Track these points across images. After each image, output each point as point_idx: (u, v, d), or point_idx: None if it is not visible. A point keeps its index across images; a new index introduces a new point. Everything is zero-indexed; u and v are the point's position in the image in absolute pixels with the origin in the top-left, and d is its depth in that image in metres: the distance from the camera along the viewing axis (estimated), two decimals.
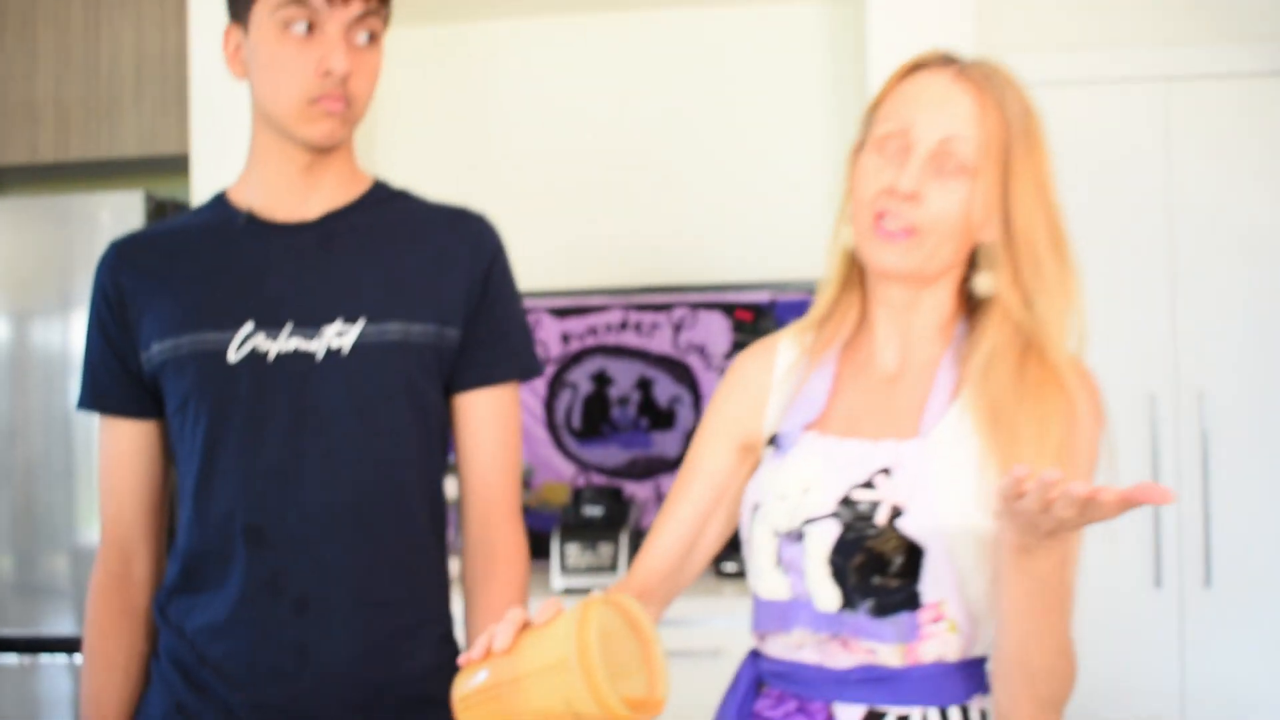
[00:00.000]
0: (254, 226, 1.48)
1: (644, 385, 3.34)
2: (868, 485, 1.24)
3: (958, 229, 1.25)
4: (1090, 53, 3.18)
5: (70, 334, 2.91)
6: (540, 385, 3.38)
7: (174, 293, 1.45)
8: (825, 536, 1.24)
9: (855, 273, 1.36)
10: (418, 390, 1.46)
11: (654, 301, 3.33)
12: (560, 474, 3.37)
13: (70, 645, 2.88)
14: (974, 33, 2.82)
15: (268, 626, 1.41)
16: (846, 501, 1.24)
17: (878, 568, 1.22)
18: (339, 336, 1.42)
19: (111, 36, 3.04)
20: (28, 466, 2.93)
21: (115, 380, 1.50)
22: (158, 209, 2.91)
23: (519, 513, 1.56)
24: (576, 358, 3.38)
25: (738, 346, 3.28)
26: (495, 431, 1.52)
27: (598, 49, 3.45)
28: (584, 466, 3.36)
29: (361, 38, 1.42)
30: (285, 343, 1.42)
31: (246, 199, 1.50)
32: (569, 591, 2.89)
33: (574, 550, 2.92)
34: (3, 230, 2.93)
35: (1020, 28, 3.20)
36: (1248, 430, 3.10)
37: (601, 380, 3.37)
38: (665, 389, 3.33)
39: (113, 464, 1.52)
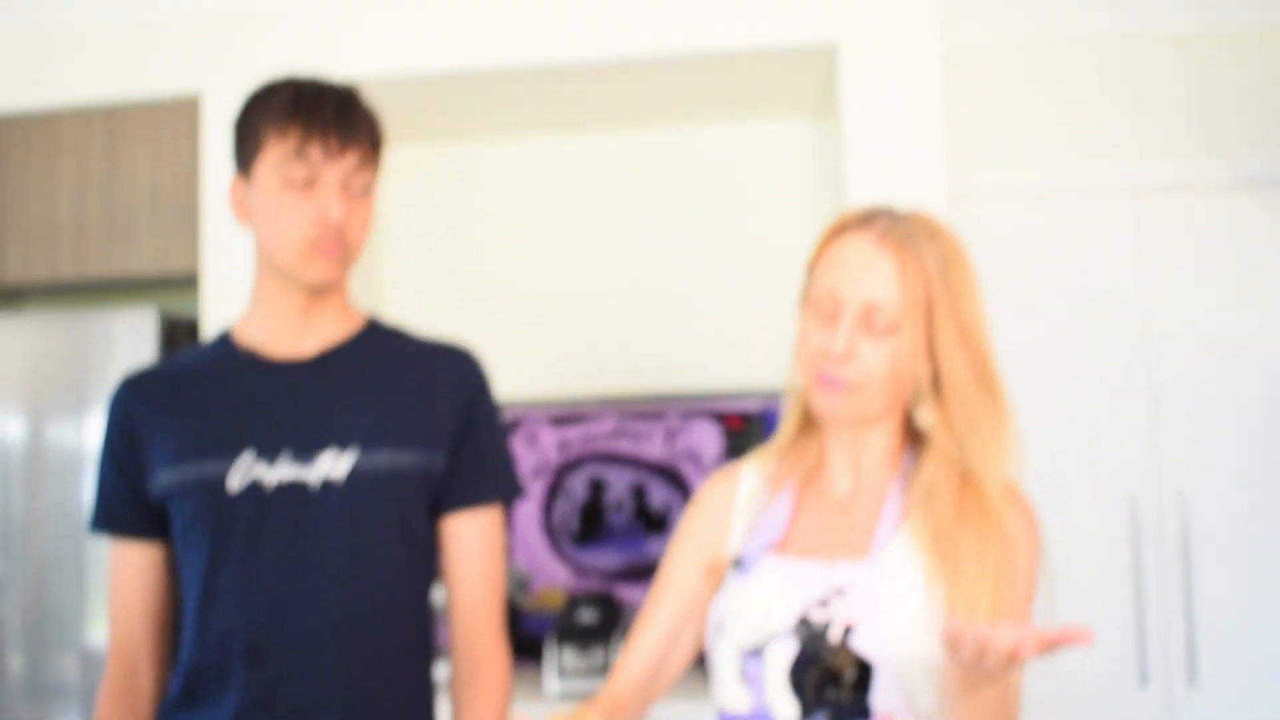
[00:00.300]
0: (255, 363, 1.59)
1: (638, 491, 3.43)
2: (823, 604, 1.34)
3: (888, 379, 1.37)
4: (1060, 163, 3.29)
5: (84, 438, 2.97)
6: (539, 491, 3.47)
7: (179, 423, 1.56)
8: (784, 653, 1.34)
9: (810, 415, 1.50)
10: (407, 515, 1.56)
11: (647, 410, 3.44)
12: (557, 578, 3.45)
13: None
14: (943, 147, 2.92)
15: None
16: (804, 621, 1.34)
17: (832, 681, 1.31)
18: (334, 464, 1.52)
19: (128, 162, 3.17)
20: (41, 566, 2.97)
21: (125, 504, 1.60)
22: (170, 326, 3.02)
23: (502, 626, 1.65)
24: (573, 465, 3.47)
25: (729, 452, 3.37)
26: (479, 551, 1.62)
27: (591, 166, 3.59)
28: (581, 570, 3.44)
29: (356, 188, 1.55)
30: (283, 471, 1.52)
31: (249, 338, 1.62)
32: (564, 695, 2.96)
33: (569, 654, 2.99)
34: (22, 343, 3.02)
35: (990, 142, 3.31)
36: (1229, 529, 3.16)
37: (597, 487, 3.46)
38: (659, 494, 3.42)
39: (122, 583, 1.62)
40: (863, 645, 1.31)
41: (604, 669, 2.98)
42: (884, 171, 2.93)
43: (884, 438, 1.45)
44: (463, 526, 1.62)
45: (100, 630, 2.93)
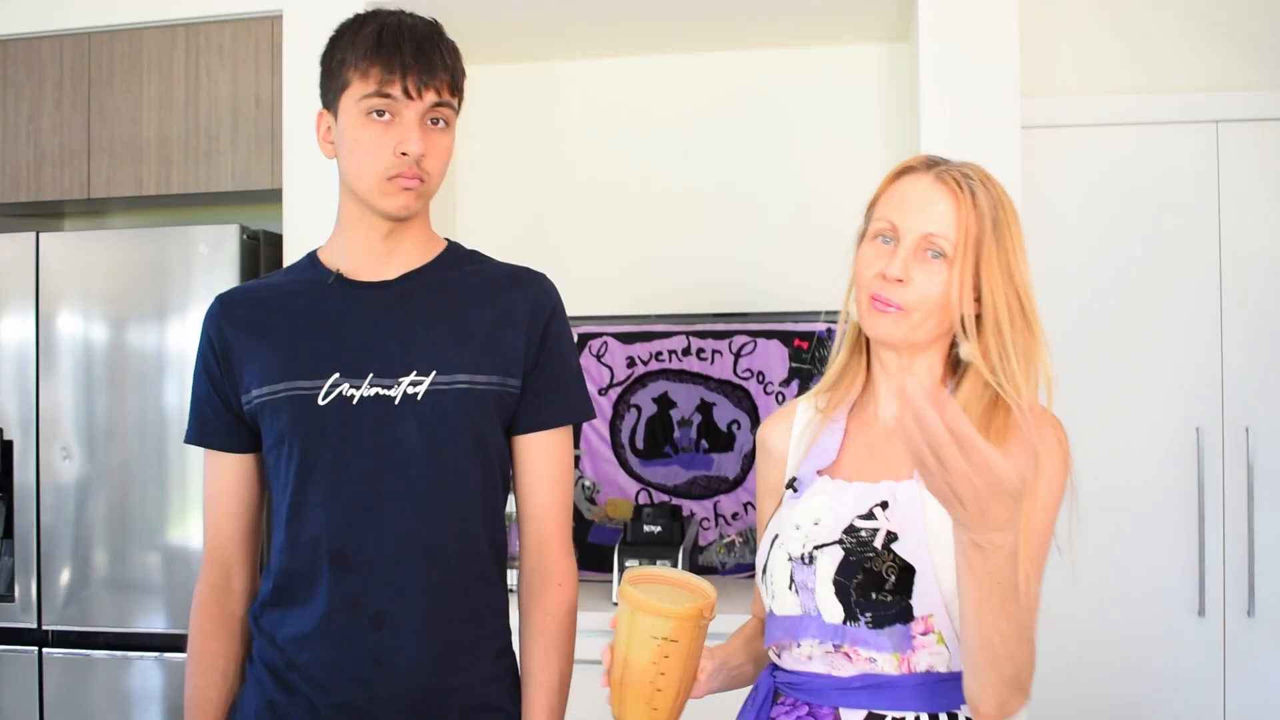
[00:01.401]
0: (341, 285, 1.67)
1: (705, 409, 3.50)
2: (868, 516, 1.47)
3: (938, 305, 1.48)
4: (1139, 96, 3.26)
5: (166, 345, 3.06)
6: (606, 406, 3.55)
7: (271, 345, 1.64)
8: (832, 559, 1.46)
9: (861, 343, 1.62)
10: (481, 434, 1.64)
11: (715, 329, 3.49)
12: (624, 491, 3.53)
13: (161, 643, 3.02)
14: (1020, 75, 2.92)
15: (348, 638, 1.59)
16: (850, 530, 1.47)
17: (875, 585, 1.42)
18: (414, 386, 1.60)
19: (210, 82, 3.24)
20: (124, 467, 3.07)
21: (219, 419, 1.70)
22: (251, 239, 3.11)
23: (569, 540, 1.74)
24: (641, 380, 3.54)
25: (794, 373, 3.42)
26: (550, 469, 1.70)
27: (665, 88, 3.61)
28: (646, 485, 3.52)
29: (435, 123, 1.61)
30: (367, 390, 1.60)
31: (334, 260, 1.69)
32: None
33: (633, 565, 3.07)
34: (108, 255, 3.12)
35: (1067, 72, 3.29)
36: None
37: (665, 403, 3.53)
38: (725, 412, 3.48)
39: (216, 491, 1.73)
40: (904, 551, 1.42)
41: None
42: (958, 98, 2.93)
43: (929, 368, 1.55)
44: (534, 446, 1.70)
45: (181, 530, 3.04)
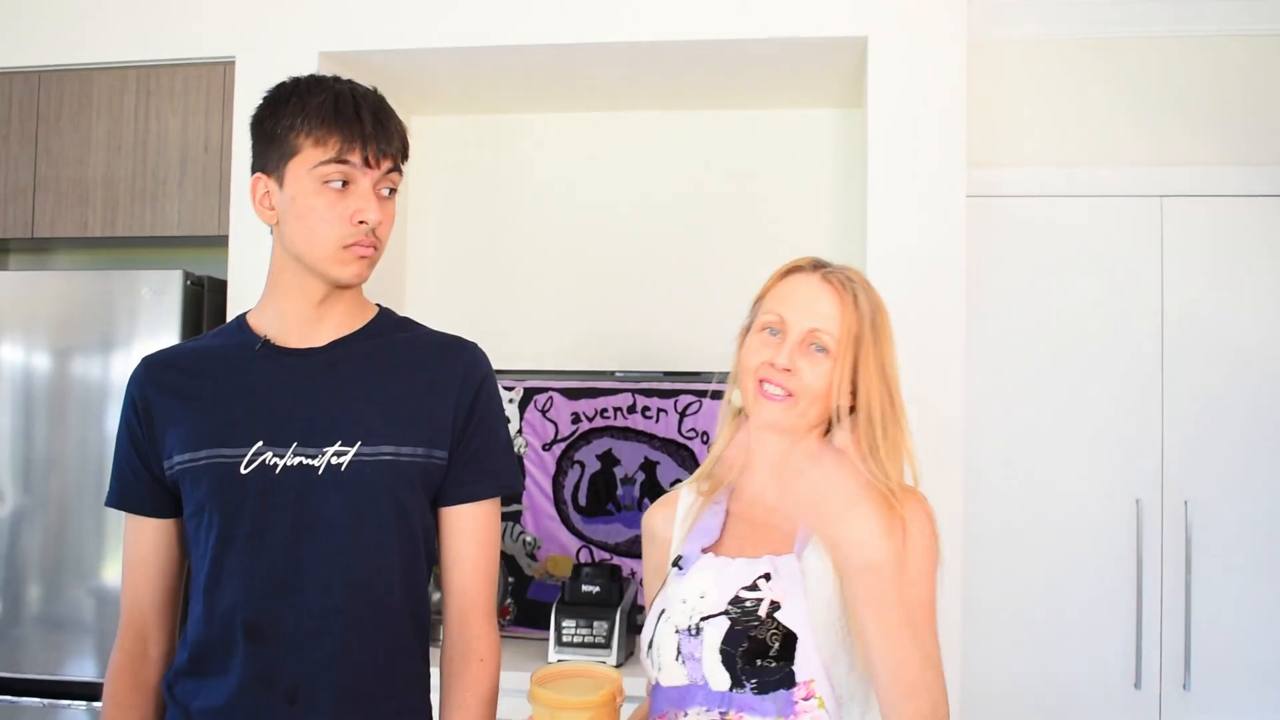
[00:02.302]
0: (268, 352, 1.65)
1: (649, 467, 3.48)
2: (752, 588, 1.56)
3: (820, 395, 1.60)
4: (1084, 169, 3.29)
5: (109, 379, 3.03)
6: (550, 461, 3.53)
7: (195, 411, 1.62)
8: (718, 629, 1.54)
9: (742, 428, 1.71)
10: (405, 505, 1.62)
11: (662, 387, 3.48)
12: (565, 548, 3.51)
13: (92, 692, 2.96)
14: (966, 144, 2.94)
15: (261, 713, 1.56)
16: (735, 600, 1.56)
17: (760, 652, 1.51)
18: (338, 456, 1.58)
19: (159, 125, 3.22)
20: (61, 502, 3.04)
21: (140, 482, 1.67)
22: (195, 285, 3.08)
23: (493, 614, 1.72)
24: (585, 437, 3.52)
25: None
26: (476, 543, 1.69)
27: (618, 143, 3.62)
28: (588, 542, 3.50)
29: (386, 190, 1.60)
30: (291, 459, 1.58)
31: (264, 325, 1.67)
32: (562, 662, 3.01)
33: (570, 626, 3.05)
34: (52, 296, 3.09)
35: (1014, 142, 3.32)
36: (1232, 537, 3.18)
37: (609, 460, 3.51)
38: (669, 471, 3.47)
39: (134, 556, 1.70)
40: (787, 619, 1.52)
41: (608, 640, 3.04)
42: (906, 164, 2.96)
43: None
44: (460, 518, 1.69)
45: (116, 570, 2.97)
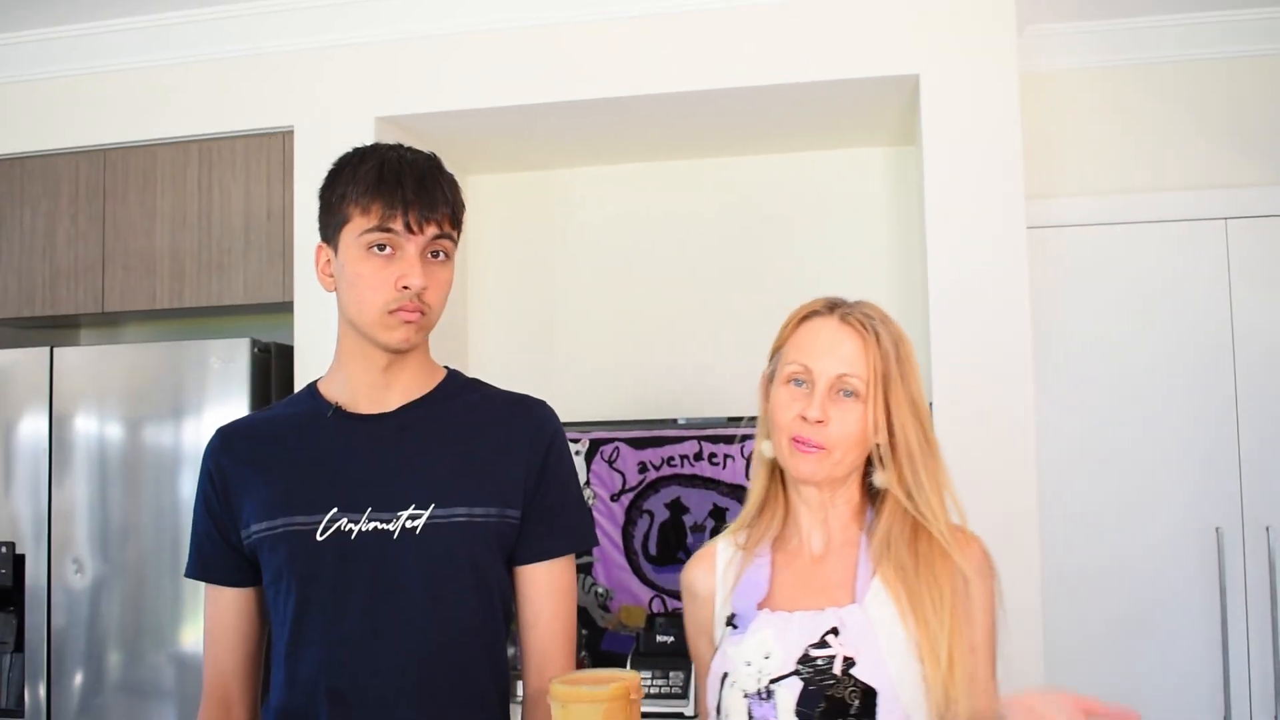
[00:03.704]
0: (339, 418, 1.66)
1: (717, 514, 3.47)
2: (821, 645, 1.51)
3: (856, 441, 1.56)
4: (1145, 195, 3.26)
5: (181, 446, 3.09)
6: (619, 512, 3.53)
7: (270, 480, 1.64)
8: (791, 691, 1.48)
9: (776, 478, 1.67)
10: (481, 566, 1.62)
11: (726, 433, 3.47)
12: (638, 598, 3.50)
13: None
14: (1024, 176, 2.92)
15: None
16: (805, 659, 1.50)
17: (840, 712, 1.46)
18: (412, 520, 1.59)
19: (222, 196, 3.29)
20: (138, 568, 3.08)
21: (218, 552, 1.69)
22: (263, 352, 3.13)
23: (573, 670, 1.70)
24: (653, 486, 3.52)
25: None
26: (552, 600, 1.68)
27: (672, 193, 3.64)
28: (660, 591, 3.48)
29: (435, 255, 1.61)
30: (365, 524, 1.59)
31: (334, 393, 1.69)
32: (642, 715, 3.00)
33: (647, 677, 3.03)
34: (122, 368, 3.15)
35: (1072, 172, 3.30)
36: None
37: (677, 508, 3.50)
38: (737, 516, 3.45)
39: (216, 625, 1.71)
40: (864, 674, 1.47)
41: (684, 690, 3.01)
42: (963, 200, 2.94)
43: (849, 498, 1.63)
44: (536, 576, 1.68)
45: (194, 633, 3.02)
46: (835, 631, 1.51)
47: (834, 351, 1.56)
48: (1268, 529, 3.13)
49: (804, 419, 1.54)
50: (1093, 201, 3.28)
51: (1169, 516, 3.19)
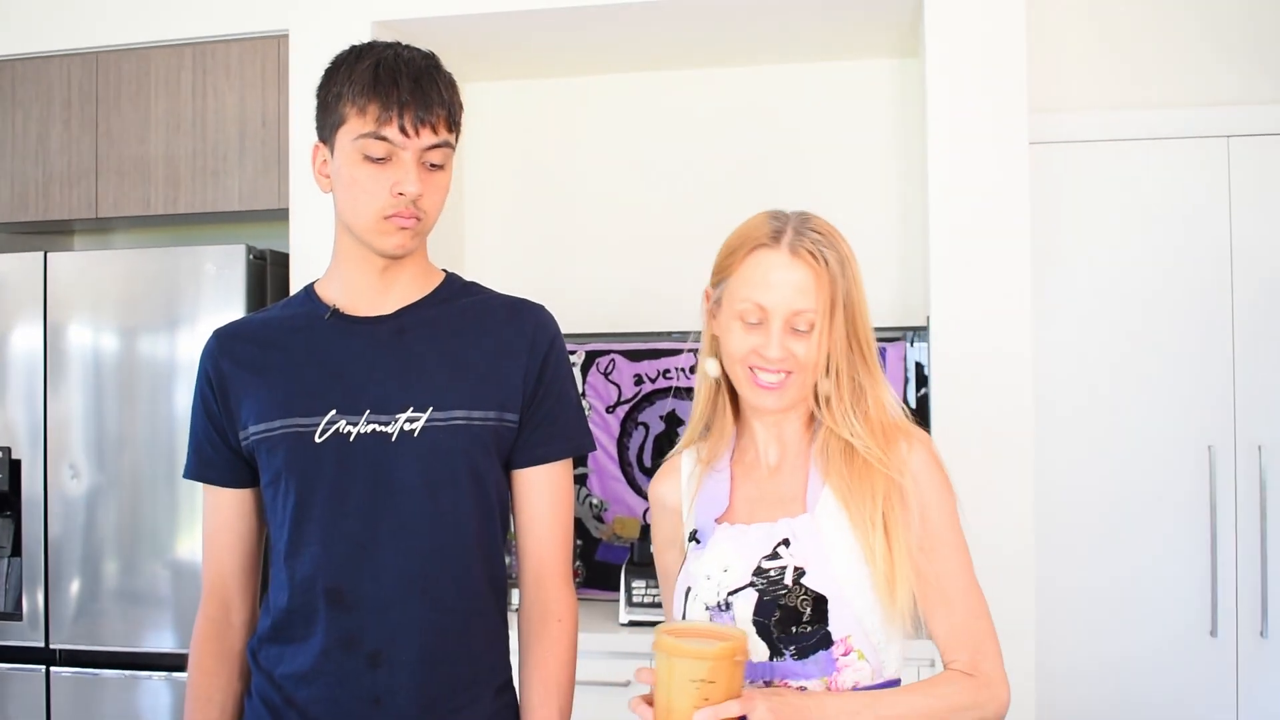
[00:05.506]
0: (337, 321, 1.66)
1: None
2: (773, 556, 1.56)
3: (810, 369, 1.58)
4: (1148, 111, 3.23)
5: (176, 353, 3.07)
6: (614, 423, 3.54)
7: (268, 381, 1.63)
8: (747, 602, 1.54)
9: (724, 393, 1.69)
10: (479, 469, 1.62)
11: None
12: (632, 510, 3.52)
13: (170, 662, 3.02)
14: (1028, 90, 2.90)
15: (345, 677, 1.58)
16: (759, 571, 1.55)
17: (794, 619, 1.52)
18: (410, 423, 1.59)
19: (217, 101, 3.25)
20: (134, 477, 3.09)
21: (217, 454, 1.69)
22: (258, 259, 3.11)
23: (569, 575, 1.72)
24: (649, 398, 3.53)
25: None
26: (549, 504, 1.69)
27: (672, 103, 3.60)
28: None
29: (432, 161, 1.59)
30: (364, 427, 1.59)
31: (331, 295, 1.68)
32: (633, 624, 3.03)
33: (640, 587, 3.07)
34: (117, 274, 3.13)
35: (1076, 87, 3.27)
36: None
37: (672, 420, 3.51)
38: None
39: (214, 526, 1.72)
40: (814, 583, 1.52)
41: None
42: (966, 113, 2.92)
43: (800, 411, 1.64)
44: (533, 480, 1.69)
45: (191, 543, 3.04)
46: (787, 542, 1.55)
47: (785, 287, 1.54)
48: (1260, 448, 3.15)
49: (762, 356, 1.55)
50: (1096, 117, 3.25)
51: (1163, 433, 3.21)
